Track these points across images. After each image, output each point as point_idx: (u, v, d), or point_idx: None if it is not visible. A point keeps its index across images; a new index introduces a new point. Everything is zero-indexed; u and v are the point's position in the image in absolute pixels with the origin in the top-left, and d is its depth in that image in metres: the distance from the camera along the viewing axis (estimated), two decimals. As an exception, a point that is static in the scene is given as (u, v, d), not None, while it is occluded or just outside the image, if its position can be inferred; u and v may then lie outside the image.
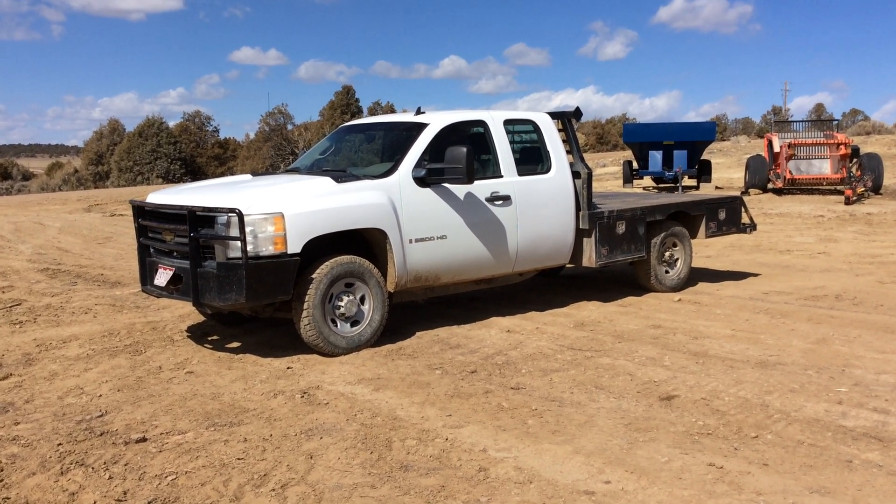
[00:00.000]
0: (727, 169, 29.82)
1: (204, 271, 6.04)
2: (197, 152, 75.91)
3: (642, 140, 24.38)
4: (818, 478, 3.81)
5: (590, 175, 7.93)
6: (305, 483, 3.87)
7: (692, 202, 9.08)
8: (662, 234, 8.58)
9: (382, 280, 6.58)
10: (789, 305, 7.78)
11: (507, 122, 7.62)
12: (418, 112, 7.51)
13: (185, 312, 7.84)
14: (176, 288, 6.33)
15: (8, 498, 3.78)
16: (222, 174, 68.11)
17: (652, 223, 8.45)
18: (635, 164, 25.02)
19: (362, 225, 6.40)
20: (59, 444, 4.39)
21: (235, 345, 6.62)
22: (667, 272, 8.74)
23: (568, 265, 8.30)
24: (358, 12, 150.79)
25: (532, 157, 7.76)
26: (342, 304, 6.33)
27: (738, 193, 13.43)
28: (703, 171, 23.79)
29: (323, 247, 6.27)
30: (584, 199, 7.83)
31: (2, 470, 4.07)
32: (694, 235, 9.05)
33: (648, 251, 8.41)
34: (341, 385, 5.43)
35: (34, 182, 62.39)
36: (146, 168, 65.07)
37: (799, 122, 25.44)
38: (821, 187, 21.57)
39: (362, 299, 6.48)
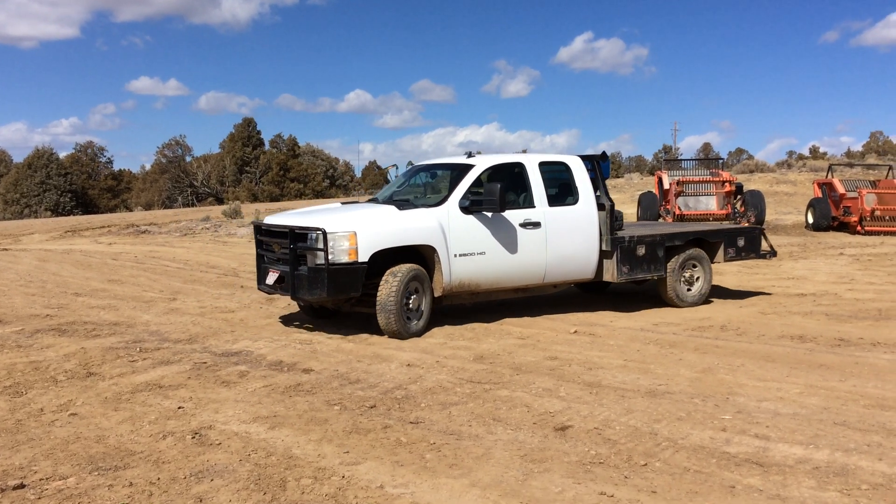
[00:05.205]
0: (621, 205, 30.79)
1: (299, 274, 8.02)
2: (89, 184, 73.16)
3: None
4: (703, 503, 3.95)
5: (612, 206, 9.44)
6: (194, 527, 3.73)
7: (711, 231, 10.43)
8: (682, 257, 9.85)
9: (430, 286, 8.33)
10: (678, 336, 8.10)
11: (543, 164, 9.24)
12: (469, 156, 9.37)
13: (70, 351, 7.49)
14: (280, 286, 8.31)
15: None
16: (115, 207, 65.86)
17: (671, 247, 9.77)
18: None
19: (416, 242, 8.21)
20: (-75, 496, 4.09)
21: (123, 385, 6.35)
22: (688, 290, 9.98)
23: (594, 280, 9.66)
24: (262, 45, 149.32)
25: (563, 192, 9.34)
26: (411, 301, 8.14)
27: None
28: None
29: (387, 259, 8.09)
30: (607, 225, 9.32)
31: None
32: (713, 259, 10.26)
33: (667, 271, 9.70)
34: (235, 424, 5.29)
35: None
36: (34, 200, 62.27)
37: (687, 160, 26.63)
38: (707, 223, 22.60)
39: (420, 298, 8.24)
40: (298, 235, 8.06)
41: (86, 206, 65.80)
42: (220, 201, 60.92)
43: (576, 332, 8.35)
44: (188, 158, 76.87)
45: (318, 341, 7.96)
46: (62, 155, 71.67)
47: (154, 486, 4.23)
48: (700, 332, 8.32)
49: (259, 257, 8.92)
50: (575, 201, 9.26)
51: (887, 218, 20.90)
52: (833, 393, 5.88)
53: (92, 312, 9.82)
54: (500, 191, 8.25)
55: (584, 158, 9.57)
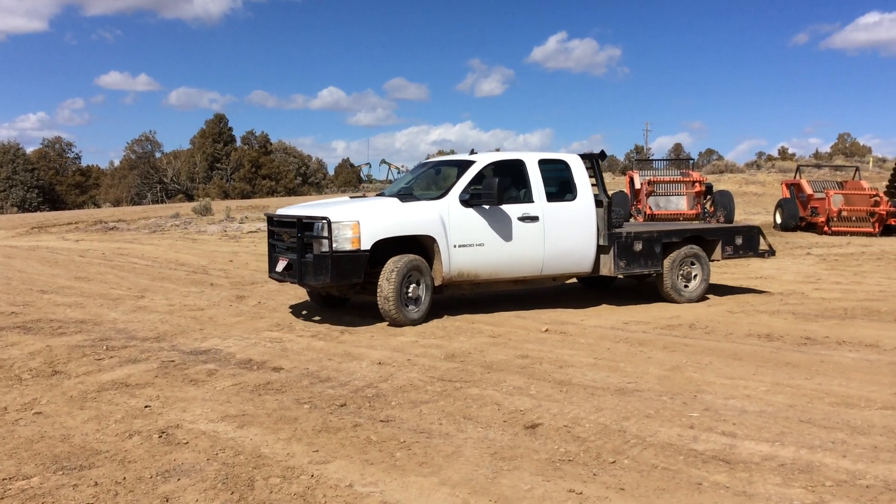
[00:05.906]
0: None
1: (305, 261, 8.40)
2: (56, 180, 72.06)
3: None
4: (670, 500, 3.98)
5: (609, 203, 9.75)
6: (160, 527, 3.69)
7: (708, 229, 10.67)
8: (680, 254, 10.08)
9: (431, 275, 8.73)
10: (647, 334, 8.16)
11: (543, 161, 9.59)
12: (472, 153, 9.84)
13: (35, 349, 7.37)
14: (288, 273, 8.71)
15: None
16: (83, 203, 64.96)
17: (669, 244, 10.02)
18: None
19: (416, 232, 8.64)
20: None
21: (89, 383, 6.26)
22: (685, 286, 10.18)
23: (591, 274, 9.96)
24: (235, 40, 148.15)
25: (563, 188, 9.65)
26: (410, 289, 8.57)
27: None
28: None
29: (390, 248, 8.52)
30: (605, 221, 9.63)
31: None
32: (711, 257, 10.47)
33: (664, 267, 9.95)
34: (203, 423, 5.23)
35: None
36: (0, 196, 61.09)
37: (658, 160, 26.89)
38: (678, 222, 22.82)
39: (420, 287, 8.65)
40: (306, 225, 8.48)
41: (53, 202, 64.83)
42: (190, 198, 60.29)
43: (547, 330, 8.38)
44: (158, 154, 75.99)
45: (289, 339, 7.91)
46: (29, 150, 70.73)
47: (120, 485, 4.18)
48: (669, 330, 8.39)
49: (270, 247, 9.38)
50: (573, 198, 9.60)
51: (854, 218, 21.24)
52: (799, 391, 5.96)
53: (58, 310, 9.67)
54: (498, 184, 8.70)
55: (584, 157, 9.88)
